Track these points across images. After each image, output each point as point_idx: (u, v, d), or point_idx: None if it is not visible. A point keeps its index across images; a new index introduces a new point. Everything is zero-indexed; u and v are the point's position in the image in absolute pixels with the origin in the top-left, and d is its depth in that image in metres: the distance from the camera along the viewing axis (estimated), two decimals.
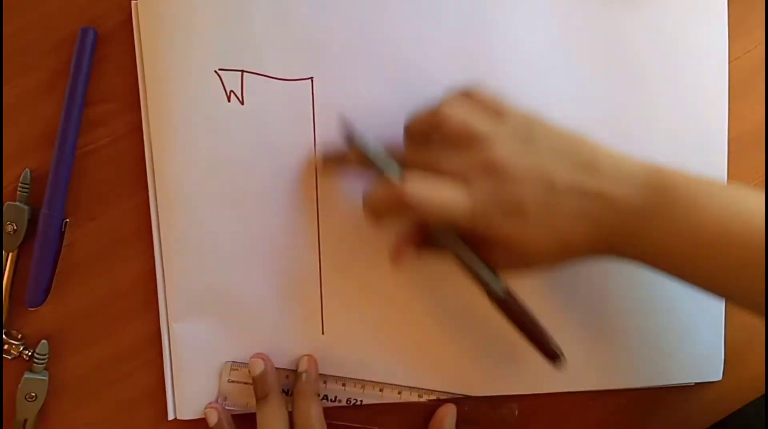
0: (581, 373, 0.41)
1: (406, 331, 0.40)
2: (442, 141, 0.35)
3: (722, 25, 0.41)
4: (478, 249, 0.35)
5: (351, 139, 0.36)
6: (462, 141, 0.34)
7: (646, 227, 0.33)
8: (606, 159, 0.34)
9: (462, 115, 0.34)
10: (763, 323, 0.34)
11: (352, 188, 0.40)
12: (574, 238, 0.33)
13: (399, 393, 0.40)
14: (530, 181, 0.33)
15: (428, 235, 0.37)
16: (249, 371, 0.39)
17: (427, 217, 0.34)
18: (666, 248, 0.33)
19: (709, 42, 0.41)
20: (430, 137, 0.35)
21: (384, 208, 0.35)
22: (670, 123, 0.41)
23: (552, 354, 0.36)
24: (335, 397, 0.40)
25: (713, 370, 0.41)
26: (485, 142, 0.34)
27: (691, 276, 0.34)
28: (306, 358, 0.40)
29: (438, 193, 0.33)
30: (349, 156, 0.37)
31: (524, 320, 0.36)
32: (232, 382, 0.40)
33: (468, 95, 0.35)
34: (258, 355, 0.39)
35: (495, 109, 0.35)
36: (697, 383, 0.42)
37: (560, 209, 0.33)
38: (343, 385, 0.40)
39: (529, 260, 0.34)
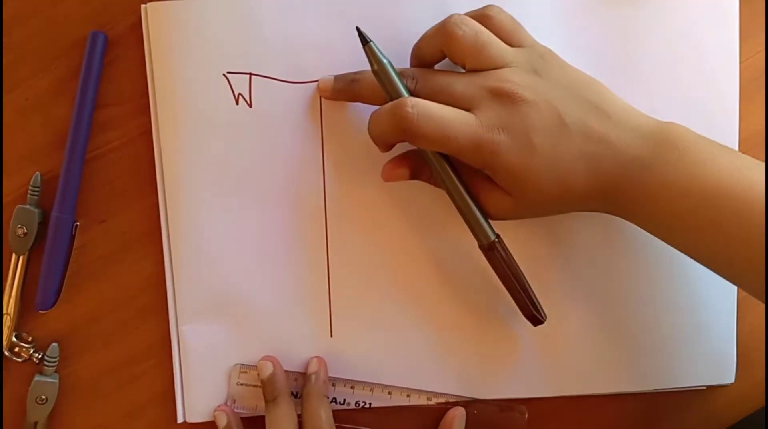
0: (591, 376, 0.41)
1: (414, 334, 0.40)
2: (451, 60, 0.34)
3: (734, 26, 0.40)
4: (476, 182, 0.35)
5: (366, 44, 0.35)
6: (471, 61, 0.34)
7: (643, 178, 0.33)
8: (616, 106, 0.34)
9: (473, 33, 0.33)
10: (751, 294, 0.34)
11: (361, 186, 0.40)
12: (573, 180, 0.33)
13: (408, 396, 0.40)
14: (540, 114, 0.33)
15: (425, 165, 0.37)
16: (258, 374, 0.39)
17: (431, 139, 0.33)
18: (661, 202, 0.33)
19: (721, 43, 0.40)
20: (439, 60, 0.35)
21: (389, 128, 0.34)
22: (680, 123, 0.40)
23: (533, 316, 0.37)
24: (344, 400, 0.40)
25: (725, 373, 0.41)
26: (497, 65, 0.33)
27: (682, 237, 0.34)
28: (315, 359, 0.39)
29: (445, 114, 0.33)
30: (359, 78, 0.37)
31: (510, 273, 0.36)
32: (241, 384, 0.40)
33: (485, 16, 0.35)
34: (267, 358, 0.39)
35: (511, 33, 0.35)
36: (709, 386, 0.41)
37: (565, 146, 0.33)
38: (352, 387, 0.40)
39: (526, 197, 0.34)
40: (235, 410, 0.40)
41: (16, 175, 0.40)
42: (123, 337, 0.40)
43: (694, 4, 0.40)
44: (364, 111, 0.39)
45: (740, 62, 0.41)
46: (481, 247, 0.36)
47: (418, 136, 0.33)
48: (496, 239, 0.36)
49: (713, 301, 0.41)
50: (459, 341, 0.40)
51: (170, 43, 0.39)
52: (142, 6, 0.39)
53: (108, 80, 0.40)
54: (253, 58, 0.39)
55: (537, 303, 0.37)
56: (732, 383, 0.41)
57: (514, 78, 0.33)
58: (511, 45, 0.35)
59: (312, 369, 0.39)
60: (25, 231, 0.39)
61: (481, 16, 0.35)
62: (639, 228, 0.35)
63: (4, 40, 0.39)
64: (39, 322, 0.40)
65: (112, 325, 0.40)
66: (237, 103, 0.39)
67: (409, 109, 0.32)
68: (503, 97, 0.33)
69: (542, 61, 0.34)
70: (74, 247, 0.39)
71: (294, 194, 0.39)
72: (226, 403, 0.40)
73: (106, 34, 0.39)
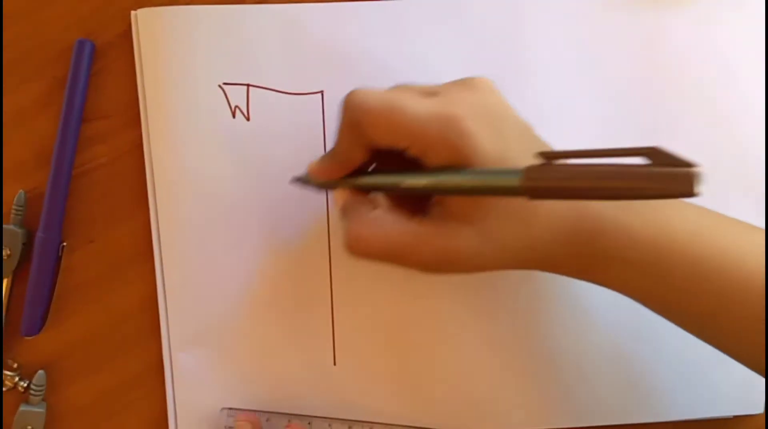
0: (613, 405, 0.38)
1: (418, 362, 0.38)
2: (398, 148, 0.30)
3: (760, 39, 0.38)
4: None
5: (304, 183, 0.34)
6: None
7: (627, 218, 0.29)
8: None
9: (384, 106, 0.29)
10: None
11: None
12: (547, 209, 0.29)
13: None
14: (508, 112, 0.30)
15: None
16: None
17: (380, 114, 0.28)
18: (639, 245, 0.29)
19: (746, 46, 0.39)
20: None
21: (341, 128, 0.30)
22: (705, 134, 0.38)
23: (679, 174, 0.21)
24: None
25: (754, 403, 0.39)
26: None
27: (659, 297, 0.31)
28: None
29: (393, 90, 0.29)
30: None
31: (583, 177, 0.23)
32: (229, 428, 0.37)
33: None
34: (245, 418, 0.36)
35: None
36: (736, 416, 0.39)
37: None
38: (349, 427, 0.38)
39: (491, 220, 0.28)
40: None
41: None
42: (113, 363, 0.38)
43: (716, 15, 0.38)
44: None
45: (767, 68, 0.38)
46: (521, 194, 0.24)
47: (365, 112, 0.28)
48: (527, 172, 0.24)
49: None
50: (465, 375, 0.38)
51: (162, 52, 0.36)
52: (132, 12, 0.37)
53: (96, 92, 0.37)
54: (250, 68, 0.36)
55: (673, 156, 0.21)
56: (761, 413, 0.39)
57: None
58: None
59: None
60: (9, 252, 0.37)
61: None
62: None
63: None
64: (25, 348, 0.38)
65: (102, 351, 0.38)
66: (234, 116, 0.37)
67: (355, 92, 0.29)
68: (463, 84, 0.30)
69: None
70: (61, 268, 0.37)
71: (295, 213, 0.37)
72: None
73: (94, 42, 0.37)
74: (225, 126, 0.36)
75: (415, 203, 0.32)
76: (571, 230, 0.29)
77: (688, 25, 0.38)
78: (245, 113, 0.37)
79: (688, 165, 0.20)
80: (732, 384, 0.39)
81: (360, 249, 0.29)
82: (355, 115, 0.29)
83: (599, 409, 0.38)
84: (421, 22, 0.37)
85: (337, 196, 0.32)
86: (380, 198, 0.31)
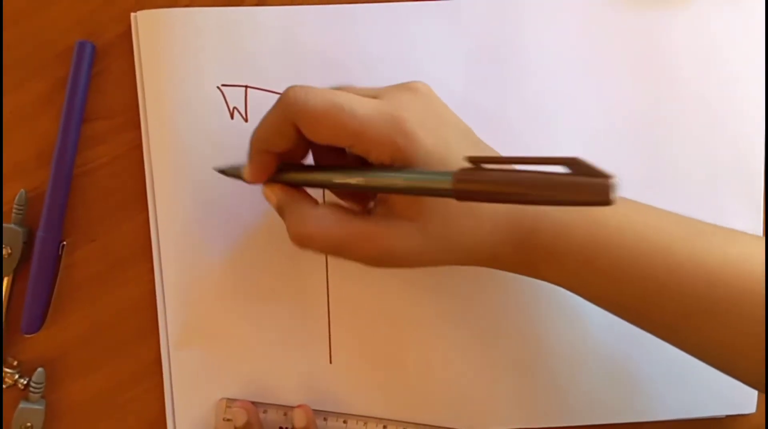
0: (605, 404, 0.39)
1: (412, 361, 0.38)
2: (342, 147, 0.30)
3: (760, 40, 0.39)
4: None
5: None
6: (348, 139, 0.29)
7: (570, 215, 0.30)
8: None
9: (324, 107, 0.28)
10: None
11: None
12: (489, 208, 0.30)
13: None
14: (448, 115, 0.31)
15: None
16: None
17: (323, 114, 0.27)
18: (581, 237, 0.30)
19: (746, 57, 0.39)
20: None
21: (275, 120, 0.29)
22: (703, 139, 0.39)
23: (594, 183, 0.21)
24: None
25: (746, 402, 0.39)
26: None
27: (597, 289, 0.31)
28: (302, 412, 0.37)
29: (337, 91, 0.29)
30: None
31: (503, 186, 0.24)
32: (228, 420, 0.38)
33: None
34: (241, 405, 0.37)
35: None
36: (728, 416, 0.39)
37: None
38: (345, 422, 0.38)
39: (436, 214, 0.29)
40: None
41: None
42: (112, 361, 0.38)
43: (717, 19, 0.38)
44: None
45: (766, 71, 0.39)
46: (450, 196, 0.25)
47: (305, 111, 0.28)
48: (456, 175, 0.25)
49: None
50: (459, 373, 0.38)
51: (161, 54, 0.37)
52: (132, 14, 0.37)
53: (96, 92, 0.38)
54: (249, 70, 0.37)
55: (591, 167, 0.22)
56: (753, 413, 0.39)
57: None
58: None
59: (300, 423, 0.37)
60: (10, 251, 0.37)
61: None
62: None
63: None
64: (25, 346, 0.38)
65: (102, 349, 0.38)
66: (232, 117, 0.37)
67: (295, 88, 0.28)
68: (404, 87, 0.30)
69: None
70: (61, 267, 0.38)
71: None
72: None
73: (94, 43, 0.37)
74: (223, 127, 0.37)
75: (360, 199, 0.33)
76: (511, 227, 0.29)
77: (687, 24, 0.38)
78: (243, 114, 0.37)
79: (606, 176, 0.20)
80: (724, 384, 0.38)
81: (304, 244, 0.30)
82: (294, 112, 0.28)
83: (591, 408, 0.39)
84: (419, 24, 0.37)
85: (268, 193, 0.31)
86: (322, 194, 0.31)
